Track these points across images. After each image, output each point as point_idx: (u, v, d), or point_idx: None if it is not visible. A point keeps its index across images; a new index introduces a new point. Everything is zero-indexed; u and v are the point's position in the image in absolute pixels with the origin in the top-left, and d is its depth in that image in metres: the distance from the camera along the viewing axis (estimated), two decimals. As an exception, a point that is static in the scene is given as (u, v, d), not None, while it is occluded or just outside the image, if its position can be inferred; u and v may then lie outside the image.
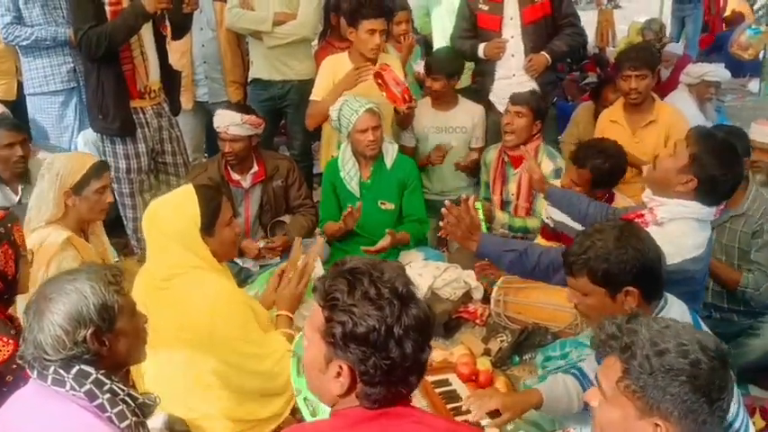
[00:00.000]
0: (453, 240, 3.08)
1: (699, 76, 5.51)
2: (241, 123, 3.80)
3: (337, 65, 4.27)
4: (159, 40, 4.05)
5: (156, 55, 4.04)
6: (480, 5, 4.52)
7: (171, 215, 2.46)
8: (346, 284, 1.47)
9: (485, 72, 4.70)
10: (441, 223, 2.88)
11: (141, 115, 4.03)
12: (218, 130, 3.86)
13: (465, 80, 5.00)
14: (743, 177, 2.66)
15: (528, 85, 4.43)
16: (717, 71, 5.62)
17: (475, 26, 4.60)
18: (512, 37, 4.49)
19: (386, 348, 1.43)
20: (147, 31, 3.92)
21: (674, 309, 2.18)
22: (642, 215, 2.69)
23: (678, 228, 2.54)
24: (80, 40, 3.78)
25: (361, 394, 1.49)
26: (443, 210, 2.83)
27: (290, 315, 2.66)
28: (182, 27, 4.20)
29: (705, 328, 2.25)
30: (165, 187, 4.09)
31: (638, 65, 4.15)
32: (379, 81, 4.01)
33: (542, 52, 4.47)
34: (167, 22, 4.00)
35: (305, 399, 2.13)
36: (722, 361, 1.48)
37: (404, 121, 4.35)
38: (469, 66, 4.99)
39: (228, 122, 3.80)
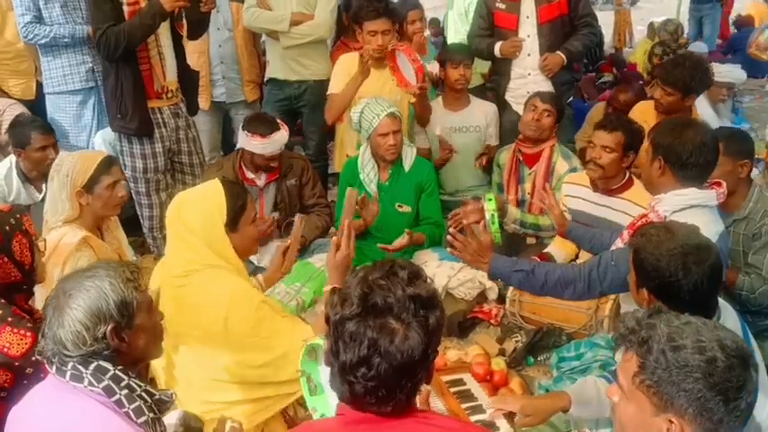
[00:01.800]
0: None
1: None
2: (287, 137, 3.91)
3: (353, 62, 4.29)
4: (176, 40, 4.07)
5: (173, 55, 4.06)
6: (497, 4, 4.52)
7: (198, 207, 2.48)
8: (359, 271, 1.57)
9: (501, 71, 4.70)
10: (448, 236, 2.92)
11: (159, 115, 4.05)
12: (271, 154, 3.87)
13: (477, 79, 4.99)
14: (707, 142, 2.64)
15: (543, 84, 4.44)
16: (729, 72, 5.50)
17: (492, 25, 4.60)
18: (528, 36, 4.49)
19: (335, 340, 1.50)
20: (164, 32, 3.94)
21: (728, 324, 2.08)
22: (646, 215, 2.72)
23: (683, 219, 2.52)
24: (99, 40, 3.79)
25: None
26: (448, 237, 2.87)
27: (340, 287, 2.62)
28: (199, 27, 4.20)
29: (753, 342, 2.24)
30: (181, 187, 4.11)
31: (668, 81, 4.07)
32: (392, 64, 4.04)
33: (558, 52, 4.46)
34: (184, 21, 4.01)
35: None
36: (741, 360, 1.45)
37: (422, 117, 4.36)
38: (484, 65, 4.99)
39: (282, 143, 3.89)
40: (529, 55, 4.52)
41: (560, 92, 4.47)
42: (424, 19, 5.28)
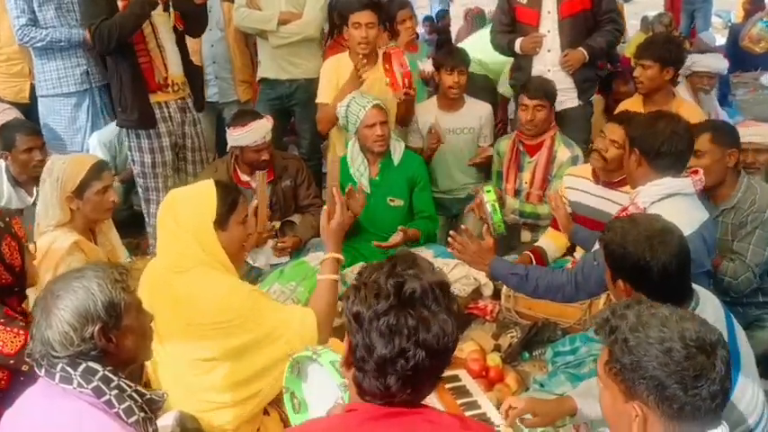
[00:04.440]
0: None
1: (687, 67, 5.22)
2: (271, 128, 3.89)
3: (339, 65, 4.28)
4: (179, 36, 4.14)
5: (175, 49, 4.11)
6: None
7: (188, 204, 2.51)
8: (375, 267, 1.56)
9: (522, 67, 4.60)
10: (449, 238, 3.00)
11: (165, 109, 4.11)
12: (255, 144, 3.84)
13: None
14: (678, 131, 2.72)
15: (564, 81, 4.37)
16: (703, 60, 5.38)
17: (513, 20, 4.53)
18: (548, 31, 4.41)
19: (369, 336, 1.47)
20: (163, 26, 4.02)
21: (707, 313, 2.11)
22: (626, 209, 2.78)
23: (662, 209, 2.57)
24: (93, 35, 3.86)
25: (355, 379, 1.53)
26: (449, 239, 2.96)
27: (339, 256, 2.63)
28: (196, 22, 4.26)
29: (739, 331, 2.27)
30: (183, 185, 4.14)
31: (644, 55, 4.14)
32: (387, 65, 4.01)
33: (579, 48, 4.36)
34: (176, 15, 4.07)
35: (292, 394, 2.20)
36: (701, 350, 1.50)
37: (404, 117, 4.34)
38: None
39: (264, 132, 3.85)
40: (549, 51, 4.42)
41: (582, 89, 4.43)
42: (413, 18, 5.27)
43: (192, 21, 4.21)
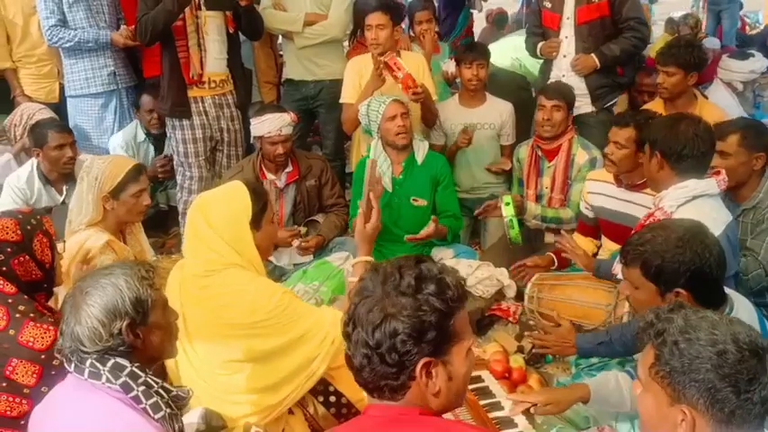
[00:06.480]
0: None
1: (759, 72, 5.44)
2: (291, 122, 3.92)
3: (362, 65, 4.32)
4: (231, 38, 4.30)
5: (220, 48, 4.25)
6: (545, 2, 4.48)
7: (221, 206, 2.51)
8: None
9: (543, 71, 4.68)
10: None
11: (200, 104, 4.26)
12: (269, 135, 3.89)
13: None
14: (700, 133, 2.69)
15: (579, 86, 4.36)
16: (763, 61, 5.57)
17: (541, 23, 4.58)
18: (566, 37, 4.43)
19: (350, 328, 1.53)
20: (213, 26, 4.17)
21: (742, 318, 2.05)
22: (652, 214, 2.74)
23: (688, 212, 2.55)
24: (136, 27, 4.19)
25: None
26: (529, 340, 3.00)
27: (371, 259, 2.61)
28: (249, 24, 4.38)
29: None
30: (218, 180, 4.27)
31: (668, 62, 4.09)
32: (392, 73, 4.01)
33: (591, 54, 4.35)
34: (229, 16, 4.23)
35: None
36: (754, 353, 1.46)
37: (425, 117, 4.35)
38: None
39: (281, 124, 3.88)
40: (565, 56, 4.45)
41: (595, 96, 4.42)
42: (432, 20, 5.25)
43: (244, 23, 4.32)
